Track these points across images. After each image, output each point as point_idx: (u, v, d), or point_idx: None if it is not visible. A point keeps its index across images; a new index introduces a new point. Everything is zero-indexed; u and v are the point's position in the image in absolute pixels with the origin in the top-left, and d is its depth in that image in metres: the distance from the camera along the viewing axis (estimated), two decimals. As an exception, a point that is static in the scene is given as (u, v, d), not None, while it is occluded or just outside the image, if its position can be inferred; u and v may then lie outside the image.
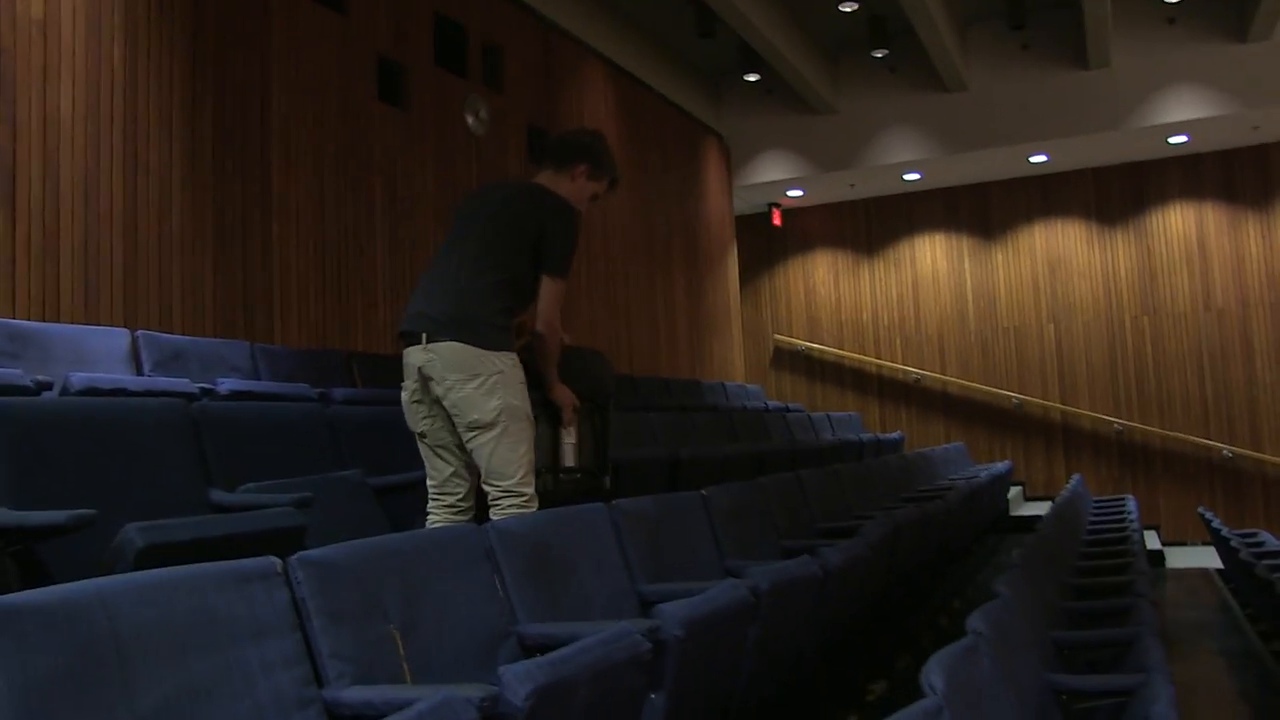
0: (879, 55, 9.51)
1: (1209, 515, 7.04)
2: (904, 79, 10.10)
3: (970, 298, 11.28)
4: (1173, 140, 9.95)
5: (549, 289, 3.04)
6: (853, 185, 11.16)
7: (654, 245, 9.34)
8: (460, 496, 3.02)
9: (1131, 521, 5.90)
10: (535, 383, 3.07)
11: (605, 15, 8.64)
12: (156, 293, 4.64)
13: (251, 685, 1.60)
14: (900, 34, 9.17)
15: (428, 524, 3.01)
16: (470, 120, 6.83)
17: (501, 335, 2.95)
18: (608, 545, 2.69)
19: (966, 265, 11.33)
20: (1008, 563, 2.99)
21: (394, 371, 3.50)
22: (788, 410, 9.22)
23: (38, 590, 1.43)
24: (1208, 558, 7.89)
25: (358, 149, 5.88)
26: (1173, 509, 10.19)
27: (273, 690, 1.63)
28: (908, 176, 10.91)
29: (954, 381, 11.23)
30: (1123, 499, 7.65)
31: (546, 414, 3.14)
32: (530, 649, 2.14)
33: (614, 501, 2.85)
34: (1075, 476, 7.94)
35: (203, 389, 3.69)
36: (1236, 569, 5.75)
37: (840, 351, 11.72)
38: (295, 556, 1.80)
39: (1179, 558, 8.56)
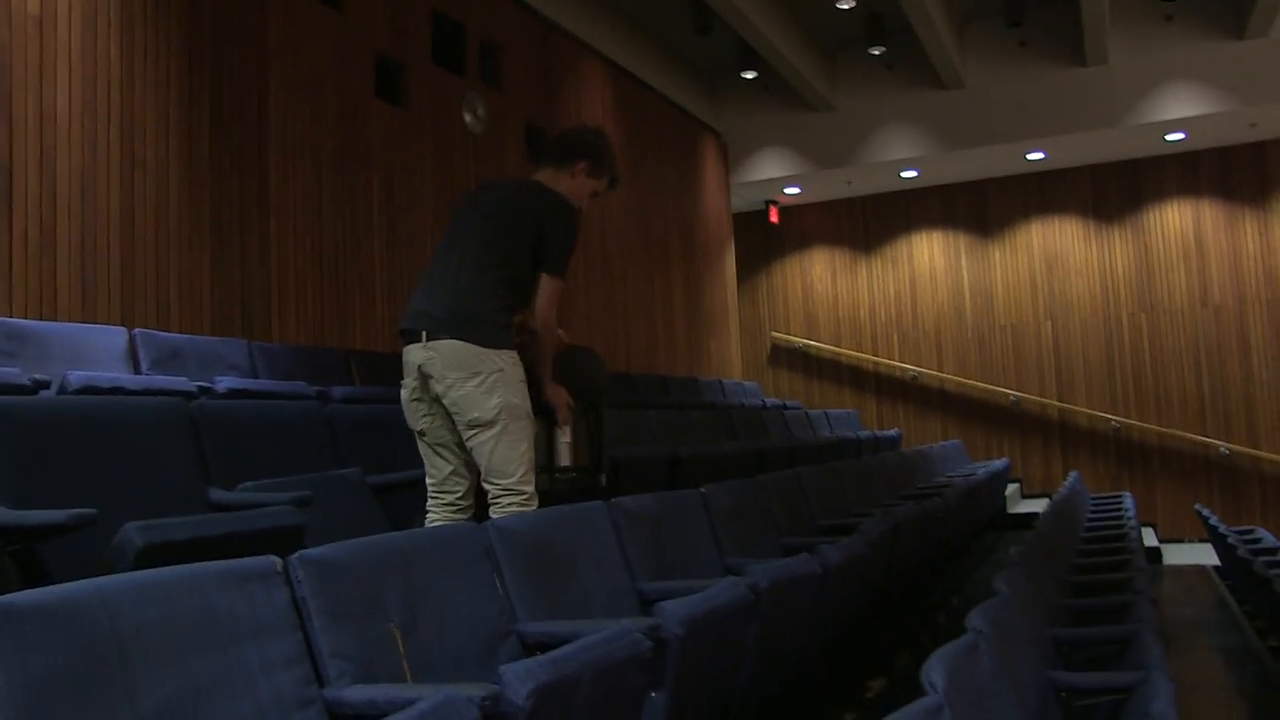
0: (876, 53, 9.50)
1: (1206, 512, 7.05)
2: (901, 76, 10.10)
3: (967, 295, 11.29)
4: (1170, 137, 9.96)
5: (547, 287, 3.04)
6: (850, 182, 11.16)
7: (651, 243, 9.33)
8: (460, 495, 3.02)
9: (1129, 519, 5.91)
10: (529, 382, 3.07)
11: (603, 13, 8.63)
12: (154, 290, 4.63)
13: (252, 685, 1.60)
14: (898, 31, 9.17)
15: (427, 522, 3.01)
16: (468, 118, 6.82)
17: (502, 333, 2.94)
18: (608, 543, 2.69)
19: (964, 263, 11.34)
20: (1006, 560, 2.99)
21: (392, 369, 3.50)
22: (785, 408, 9.22)
23: (38, 590, 1.43)
24: (1204, 555, 7.91)
25: (355, 146, 5.87)
26: (1170, 506, 10.21)
27: (273, 690, 1.63)
28: (905, 174, 10.92)
29: (951, 379, 11.24)
30: (1120, 496, 7.66)
31: (541, 413, 3.14)
32: (531, 647, 2.14)
33: (614, 500, 2.85)
34: (1073, 473, 7.95)
35: (201, 387, 3.68)
36: (1234, 566, 5.76)
37: (837, 349, 11.73)
38: (295, 555, 1.80)
39: (1176, 555, 8.58)
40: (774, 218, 11.72)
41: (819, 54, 10.07)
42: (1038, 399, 10.88)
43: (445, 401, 2.91)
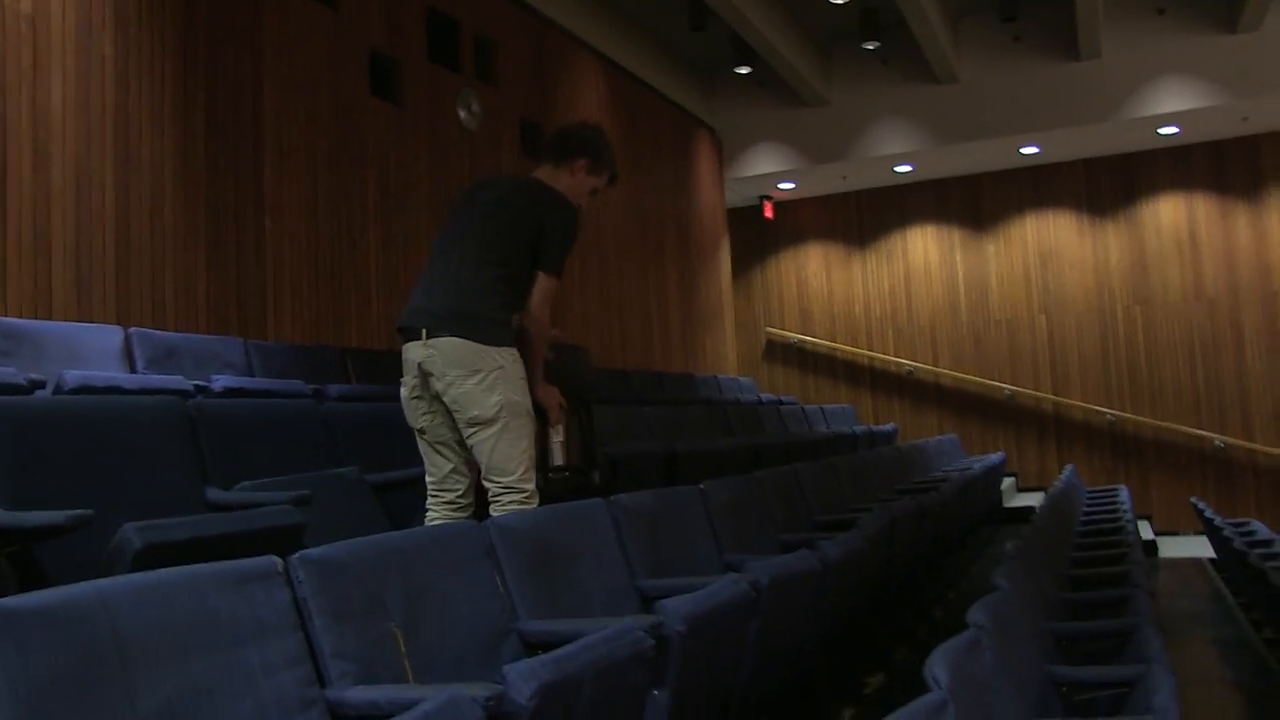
0: (870, 47, 9.50)
1: (1201, 505, 7.08)
2: (895, 71, 10.10)
3: (962, 289, 11.30)
4: (1163, 131, 9.97)
5: (542, 285, 3.03)
6: (844, 177, 11.16)
7: (647, 239, 9.33)
8: (460, 493, 3.01)
9: (1125, 512, 5.92)
10: None
11: (598, 9, 8.62)
12: (149, 289, 4.61)
13: (254, 686, 1.59)
14: (892, 26, 9.16)
15: (427, 521, 3.00)
16: (463, 115, 6.80)
17: (502, 330, 2.94)
18: (607, 541, 2.69)
19: (958, 257, 11.35)
20: (1002, 554, 3.00)
21: (389, 367, 3.49)
22: (781, 403, 9.22)
23: (37, 592, 1.42)
24: (1200, 547, 7.94)
25: (350, 144, 5.85)
26: (1165, 499, 10.24)
27: (275, 691, 1.62)
28: (899, 168, 10.92)
29: (946, 373, 11.26)
30: (1115, 489, 7.67)
31: (533, 413, 3.13)
32: (532, 646, 2.13)
33: (613, 497, 2.85)
34: (1068, 467, 7.97)
35: (197, 386, 3.67)
36: (1229, 558, 5.78)
37: (832, 344, 11.73)
38: (296, 555, 1.79)
39: (1171, 547, 8.61)
40: (769, 213, 11.71)
41: (813, 49, 10.06)
42: (1033, 393, 10.90)
43: (445, 399, 2.90)
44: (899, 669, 3.86)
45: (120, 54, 4.58)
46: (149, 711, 1.44)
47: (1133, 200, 10.72)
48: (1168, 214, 10.61)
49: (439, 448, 3.00)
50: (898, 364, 11.45)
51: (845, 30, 9.73)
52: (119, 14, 4.59)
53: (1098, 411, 10.64)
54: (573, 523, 2.62)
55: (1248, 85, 9.10)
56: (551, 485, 3.14)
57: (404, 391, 3.02)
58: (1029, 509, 7.96)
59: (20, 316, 3.95)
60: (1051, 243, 10.99)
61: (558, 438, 3.18)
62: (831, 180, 11.24)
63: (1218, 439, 10.19)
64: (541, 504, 2.92)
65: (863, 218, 11.75)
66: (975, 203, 11.30)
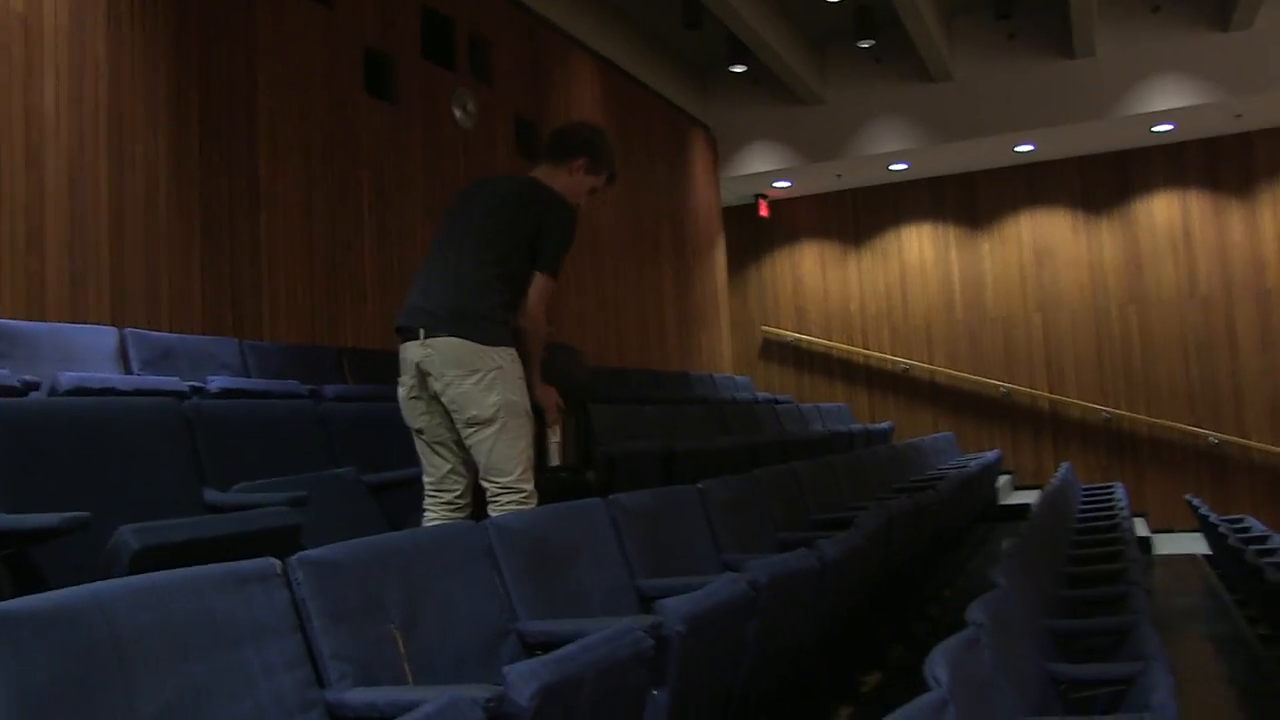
0: (865, 45, 9.50)
1: (1196, 502, 7.10)
2: (890, 69, 10.10)
3: (957, 287, 11.31)
4: (1157, 129, 9.99)
5: (539, 285, 3.02)
6: (839, 176, 11.16)
7: (642, 237, 9.32)
8: (458, 494, 3.00)
9: (1121, 509, 5.93)
10: None
11: (593, 7, 8.61)
12: (143, 289, 4.59)
13: (253, 688, 1.59)
14: (887, 24, 9.17)
15: (424, 521, 2.99)
16: (458, 113, 6.79)
17: (500, 330, 2.93)
18: (606, 540, 2.68)
19: (953, 255, 11.36)
20: (998, 552, 3.00)
21: (385, 367, 3.48)
22: (777, 402, 9.23)
23: (35, 596, 1.41)
24: (1195, 544, 7.96)
25: (345, 142, 5.84)
26: (1160, 496, 10.26)
27: (274, 693, 1.61)
28: (894, 166, 10.93)
29: (942, 371, 11.27)
30: (1111, 487, 7.69)
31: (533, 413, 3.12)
32: (531, 646, 2.13)
33: (611, 496, 2.84)
34: (1064, 464, 7.98)
35: (193, 387, 3.65)
36: (1225, 555, 5.80)
37: (828, 342, 11.74)
38: (295, 557, 1.79)
39: (1167, 544, 8.63)
40: (764, 211, 11.71)
41: (808, 47, 10.06)
42: (1028, 390, 10.91)
43: (444, 399, 2.89)
44: (896, 667, 3.86)
45: (113, 52, 4.56)
46: (149, 714, 1.43)
47: (1127, 198, 10.74)
48: (1162, 211, 10.63)
49: (437, 448, 2.99)
50: (893, 362, 11.46)
51: (840, 28, 9.74)
52: (111, 12, 4.57)
53: (1093, 409, 10.66)
54: (571, 522, 2.62)
55: (1240, 83, 9.13)
56: (547, 485, 3.13)
57: (401, 391, 3.01)
58: (1025, 507, 7.97)
59: (13, 317, 3.93)
60: (1046, 240, 11.01)
61: (554, 438, 3.17)
62: (826, 178, 11.25)
63: (1212, 436, 10.21)
64: (538, 504, 2.91)
65: (858, 216, 11.75)
66: (970, 201, 11.31)
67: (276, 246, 5.32)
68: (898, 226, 11.58)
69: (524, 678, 1.58)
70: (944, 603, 5.19)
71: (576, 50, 8.41)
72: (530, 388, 3.04)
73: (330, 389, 4.22)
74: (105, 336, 4.05)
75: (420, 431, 3.00)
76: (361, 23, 6.06)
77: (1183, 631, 5.18)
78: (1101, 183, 10.83)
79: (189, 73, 4.93)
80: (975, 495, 7.10)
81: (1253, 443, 10.10)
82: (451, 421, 2.92)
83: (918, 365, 11.36)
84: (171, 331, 4.54)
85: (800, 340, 11.85)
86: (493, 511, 2.84)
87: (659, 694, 2.03)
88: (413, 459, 3.10)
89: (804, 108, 10.47)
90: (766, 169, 10.81)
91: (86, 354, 3.87)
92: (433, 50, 6.63)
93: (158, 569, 1.62)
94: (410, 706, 1.46)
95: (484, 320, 2.89)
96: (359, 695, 1.67)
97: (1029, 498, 8.74)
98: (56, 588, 1.48)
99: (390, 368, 3.08)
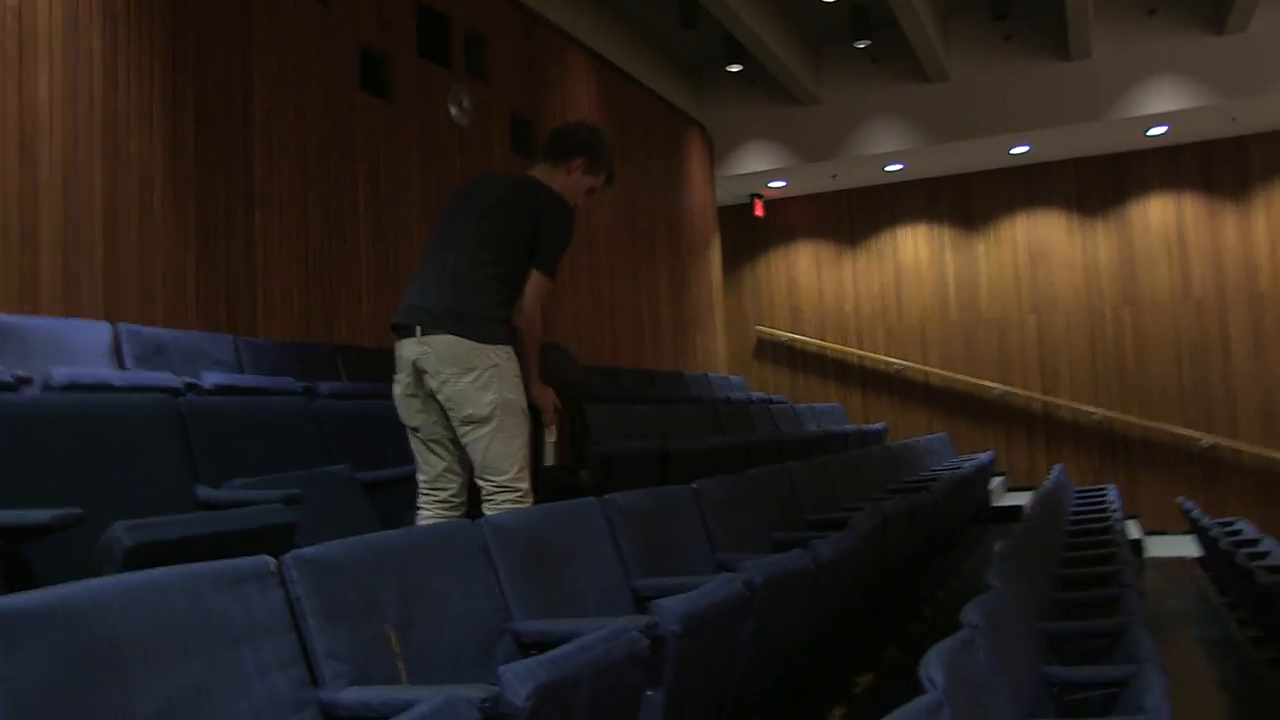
0: (861, 46, 9.50)
1: (1188, 505, 7.12)
2: (886, 69, 10.11)
3: (952, 288, 11.33)
4: (1152, 131, 10.01)
5: (536, 284, 3.01)
6: (835, 176, 11.16)
7: (637, 237, 9.32)
8: (453, 493, 2.99)
9: (1114, 511, 5.95)
10: None
11: (589, 6, 8.60)
12: (138, 285, 4.58)
13: (248, 687, 1.58)
14: (883, 24, 9.17)
15: (419, 520, 2.99)
16: (454, 111, 6.78)
17: (497, 329, 2.92)
18: (601, 540, 2.68)
19: (948, 256, 11.37)
20: (992, 553, 3.01)
21: (380, 364, 3.47)
22: (771, 402, 9.23)
23: (28, 594, 1.40)
24: (1187, 546, 7.98)
25: (341, 140, 5.82)
26: (1152, 498, 10.29)
27: (269, 692, 1.61)
28: (890, 167, 10.93)
29: (936, 372, 11.28)
30: (1104, 489, 7.71)
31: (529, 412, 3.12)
32: (526, 646, 2.12)
33: (607, 496, 2.84)
34: (1057, 466, 8.00)
35: (187, 384, 3.64)
36: (1216, 558, 5.82)
37: (822, 342, 11.74)
38: (290, 555, 1.78)
39: (1158, 547, 8.65)
40: (759, 211, 11.72)
41: (804, 47, 10.07)
42: (1022, 392, 10.93)
43: (440, 397, 2.89)
44: (889, 668, 3.86)
45: (108, 49, 4.54)
46: (145, 713, 1.42)
47: (1122, 200, 10.77)
48: (1156, 214, 10.66)
49: (432, 446, 2.98)
50: (887, 363, 11.47)
51: (836, 28, 9.74)
52: (107, 8, 4.55)
53: (1086, 411, 10.68)
54: (567, 522, 2.61)
55: (1235, 86, 9.15)
56: (541, 484, 3.13)
57: (397, 389, 3.00)
58: (1018, 508, 7.99)
59: (6, 312, 3.91)
60: (1041, 242, 11.02)
61: (550, 438, 3.17)
62: (822, 179, 11.25)
63: (1205, 438, 10.24)
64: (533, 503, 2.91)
65: (853, 216, 11.76)
66: (965, 202, 11.32)
67: (272, 244, 5.30)
68: (893, 227, 11.59)
69: (520, 678, 1.58)
70: (938, 604, 5.20)
71: (573, 49, 8.40)
72: (528, 386, 3.03)
73: (325, 386, 4.21)
74: (99, 332, 4.03)
75: (415, 429, 2.99)
76: (357, 21, 6.04)
77: (1174, 634, 5.19)
78: (1096, 185, 10.85)
79: (185, 71, 4.91)
80: (969, 496, 7.11)
81: (1245, 446, 10.13)
82: (447, 419, 2.91)
83: (912, 366, 11.37)
84: (165, 328, 4.51)
85: (795, 340, 11.86)
86: (488, 510, 2.84)
87: (654, 694, 2.03)
88: (407, 457, 3.10)
89: (800, 107, 10.48)
90: (762, 169, 10.82)
91: (80, 350, 3.85)
92: (428, 48, 6.62)
93: (151, 566, 1.61)
94: (405, 706, 1.45)
95: (481, 319, 2.89)
96: (353, 695, 1.67)
97: (1022, 499, 8.76)
98: (48, 584, 1.47)
99: (385, 365, 3.07)
